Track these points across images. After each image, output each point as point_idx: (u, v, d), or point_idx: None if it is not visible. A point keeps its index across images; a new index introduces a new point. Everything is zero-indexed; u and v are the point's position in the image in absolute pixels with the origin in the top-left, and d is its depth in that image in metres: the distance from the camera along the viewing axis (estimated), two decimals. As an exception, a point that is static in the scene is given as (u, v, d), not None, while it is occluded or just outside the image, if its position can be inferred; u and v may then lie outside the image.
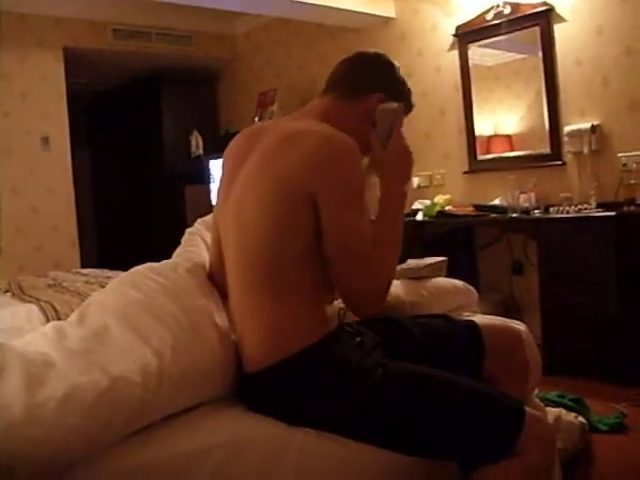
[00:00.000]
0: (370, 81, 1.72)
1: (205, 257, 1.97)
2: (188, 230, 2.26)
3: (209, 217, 2.25)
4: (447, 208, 4.69)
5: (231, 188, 1.68)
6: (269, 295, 1.57)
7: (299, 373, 1.54)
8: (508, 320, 2.22)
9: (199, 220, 2.32)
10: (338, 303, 1.73)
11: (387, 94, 1.71)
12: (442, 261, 2.39)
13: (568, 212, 3.91)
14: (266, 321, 1.57)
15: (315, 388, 1.55)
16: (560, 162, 4.33)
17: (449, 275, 2.43)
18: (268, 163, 1.57)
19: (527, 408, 1.56)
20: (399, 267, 2.28)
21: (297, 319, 1.56)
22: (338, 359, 1.56)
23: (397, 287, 2.15)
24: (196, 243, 2.09)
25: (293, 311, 1.56)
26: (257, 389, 1.62)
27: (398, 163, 1.69)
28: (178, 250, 2.11)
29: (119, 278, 1.82)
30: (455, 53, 4.91)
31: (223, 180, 1.77)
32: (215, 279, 1.82)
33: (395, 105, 1.70)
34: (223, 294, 1.77)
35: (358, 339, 1.67)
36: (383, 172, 1.68)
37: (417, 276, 2.28)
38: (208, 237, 2.11)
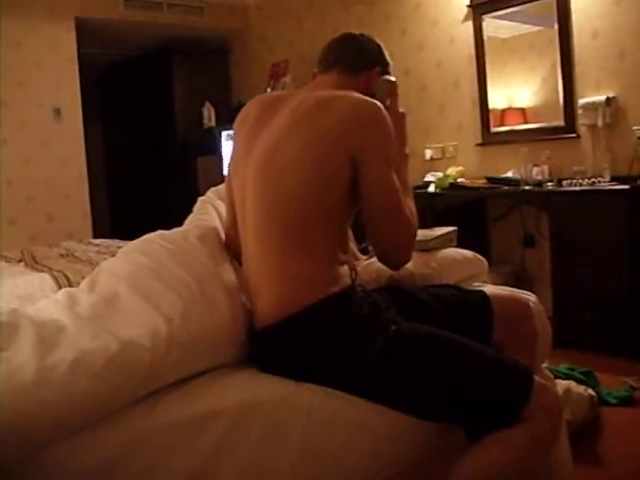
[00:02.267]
0: (368, 58, 1.87)
1: (217, 224, 1.97)
2: (200, 198, 2.26)
3: (222, 186, 2.25)
4: (459, 180, 4.67)
5: (251, 150, 1.74)
6: (294, 248, 1.62)
7: (314, 325, 1.58)
8: (517, 290, 2.21)
9: (212, 189, 2.32)
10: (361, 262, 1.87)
11: (381, 68, 1.88)
12: (452, 231, 2.37)
13: (581, 185, 3.88)
14: (288, 273, 1.62)
15: (328, 341, 1.58)
16: (574, 135, 4.29)
17: (461, 247, 2.42)
18: (305, 122, 1.66)
19: (535, 376, 1.57)
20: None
21: (317, 272, 1.63)
22: (352, 314, 1.61)
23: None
24: (208, 211, 2.09)
25: (314, 264, 1.62)
26: (270, 344, 1.64)
27: (397, 127, 1.79)
28: (190, 218, 2.11)
29: (129, 245, 1.82)
30: (469, 24, 4.86)
31: (239, 144, 1.84)
32: (231, 243, 1.86)
33: (392, 78, 1.90)
34: (238, 259, 1.80)
35: (371, 299, 1.70)
36: None
37: (426, 248, 2.27)
38: (220, 205, 2.11)
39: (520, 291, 2.20)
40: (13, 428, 1.20)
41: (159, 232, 1.83)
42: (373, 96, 1.79)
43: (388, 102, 1.85)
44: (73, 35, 5.76)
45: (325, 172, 1.62)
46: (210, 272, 1.68)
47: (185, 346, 1.50)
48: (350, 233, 2.08)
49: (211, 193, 2.26)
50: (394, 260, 1.77)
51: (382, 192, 1.65)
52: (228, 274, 1.72)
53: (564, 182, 4.01)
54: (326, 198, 1.63)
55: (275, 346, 1.64)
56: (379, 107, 1.66)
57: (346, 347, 1.58)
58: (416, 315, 1.72)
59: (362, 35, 1.91)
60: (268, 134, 1.71)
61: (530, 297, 2.13)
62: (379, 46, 1.91)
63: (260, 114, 1.80)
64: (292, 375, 1.58)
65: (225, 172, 1.99)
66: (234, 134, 1.89)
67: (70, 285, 2.35)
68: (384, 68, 1.89)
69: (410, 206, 1.72)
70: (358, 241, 2.44)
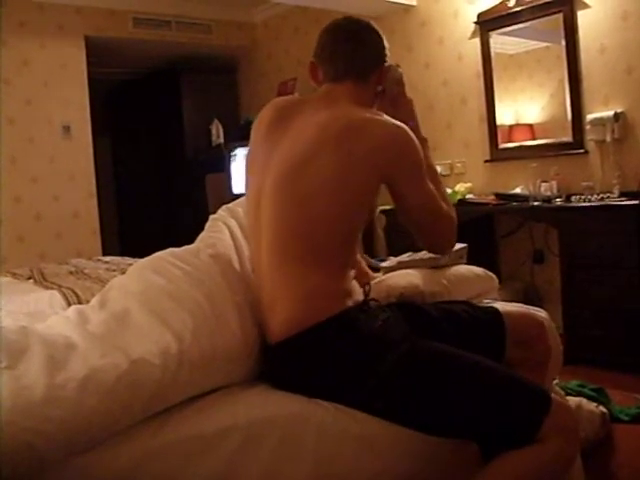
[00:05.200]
0: (376, 58, 1.86)
1: (229, 242, 1.97)
2: (212, 216, 2.26)
3: (233, 204, 2.26)
4: (468, 196, 4.67)
5: (268, 162, 1.74)
6: (311, 264, 1.63)
7: (327, 339, 1.59)
8: (530, 308, 2.20)
9: (223, 207, 2.32)
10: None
11: (386, 60, 1.88)
12: (462, 248, 2.37)
13: (590, 201, 3.87)
14: (302, 288, 1.62)
15: (340, 357, 1.58)
16: (582, 150, 4.28)
17: (470, 263, 2.41)
18: (334, 147, 1.65)
19: (553, 395, 1.56)
20: (418, 257, 2.28)
21: (333, 287, 1.64)
22: (365, 329, 1.61)
23: (416, 277, 2.14)
24: (219, 229, 2.08)
25: (330, 279, 1.64)
26: (283, 359, 1.64)
27: (410, 115, 1.90)
28: (201, 235, 2.11)
29: (140, 263, 1.82)
30: (477, 41, 4.87)
31: (254, 151, 1.85)
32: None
33: (400, 68, 1.95)
34: None
35: (385, 314, 1.70)
36: None
37: (437, 265, 2.27)
38: (232, 223, 2.11)
39: (531, 308, 2.19)
40: (23, 445, 1.20)
41: (170, 250, 1.83)
42: (383, 90, 1.87)
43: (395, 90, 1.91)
44: (83, 53, 5.78)
45: (353, 200, 1.65)
46: (222, 290, 1.67)
47: (195, 364, 1.49)
48: (360, 249, 2.09)
49: (222, 211, 2.25)
50: (442, 249, 1.91)
51: (422, 206, 1.74)
52: (240, 292, 1.71)
53: (573, 198, 4.00)
54: (349, 221, 1.67)
55: (288, 361, 1.63)
56: (407, 131, 1.69)
57: (358, 362, 1.57)
58: (427, 332, 1.72)
59: (365, 30, 1.86)
60: (290, 148, 1.70)
61: (541, 313, 2.12)
62: (380, 36, 1.87)
63: (274, 120, 1.80)
64: (304, 391, 1.58)
65: (233, 190, 2.00)
66: (250, 138, 1.87)
67: (79, 302, 2.35)
68: (386, 58, 1.88)
69: (443, 194, 1.81)
70: (368, 255, 2.43)
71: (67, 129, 5.66)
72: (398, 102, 1.92)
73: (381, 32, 1.88)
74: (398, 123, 1.70)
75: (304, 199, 1.64)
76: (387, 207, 4.35)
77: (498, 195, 4.47)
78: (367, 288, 1.76)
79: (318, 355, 1.59)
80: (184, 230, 2.61)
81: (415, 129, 1.82)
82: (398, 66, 1.94)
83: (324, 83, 1.85)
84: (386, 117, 1.71)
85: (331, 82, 1.83)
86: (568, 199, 4.06)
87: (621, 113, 4.03)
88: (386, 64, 1.87)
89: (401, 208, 1.77)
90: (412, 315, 1.82)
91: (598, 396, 2.94)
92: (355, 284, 1.72)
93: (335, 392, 1.57)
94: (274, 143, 1.75)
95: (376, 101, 1.89)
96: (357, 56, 1.82)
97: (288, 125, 1.75)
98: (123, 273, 1.91)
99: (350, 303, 1.63)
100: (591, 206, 3.82)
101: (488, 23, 4.75)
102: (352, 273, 1.71)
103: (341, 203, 1.63)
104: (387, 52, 1.88)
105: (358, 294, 1.70)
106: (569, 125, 4.35)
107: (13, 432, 1.19)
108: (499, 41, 4.78)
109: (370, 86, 1.84)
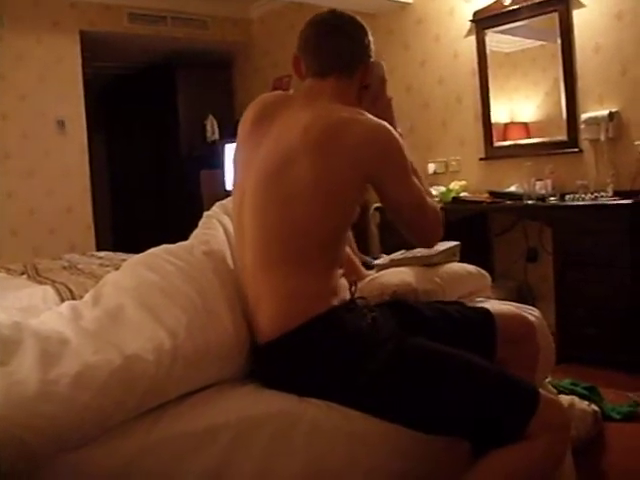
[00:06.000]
0: (359, 54, 1.82)
1: (222, 239, 1.97)
2: (206, 213, 2.26)
3: (227, 200, 2.25)
4: (462, 194, 4.67)
5: (251, 161, 1.73)
6: (294, 264, 1.63)
7: (313, 339, 1.58)
8: (522, 307, 2.20)
9: (217, 203, 2.32)
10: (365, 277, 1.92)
11: (371, 56, 1.85)
12: (455, 246, 2.37)
13: (584, 200, 3.88)
14: (285, 288, 1.62)
15: (327, 355, 1.58)
16: (577, 149, 4.29)
17: (464, 261, 2.41)
18: (316, 150, 1.63)
19: (543, 391, 1.56)
20: (411, 255, 2.29)
21: (317, 286, 1.63)
22: (351, 328, 1.61)
23: (409, 275, 2.15)
24: (213, 226, 2.09)
25: (314, 279, 1.63)
26: (271, 359, 1.64)
27: (388, 112, 1.87)
28: (195, 232, 2.11)
29: (134, 259, 1.82)
30: (472, 39, 4.87)
31: (238, 149, 1.83)
32: None
33: (384, 64, 1.92)
34: None
35: (373, 313, 1.69)
36: None
37: (430, 263, 2.27)
38: (226, 220, 2.11)
39: (523, 306, 2.19)
40: (15, 441, 1.20)
41: (164, 246, 1.83)
42: (367, 86, 1.84)
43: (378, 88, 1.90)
44: (77, 48, 5.76)
45: (335, 201, 1.64)
46: (215, 288, 1.67)
47: (189, 360, 1.50)
48: (355, 247, 2.09)
49: (217, 207, 2.26)
50: (429, 241, 1.88)
51: (411, 204, 1.73)
52: (232, 290, 1.71)
53: (567, 196, 4.01)
54: (332, 222, 1.65)
55: (277, 361, 1.63)
56: (389, 129, 1.68)
57: (347, 360, 1.57)
58: (419, 331, 1.71)
59: (350, 24, 1.82)
60: (272, 148, 1.69)
61: (533, 312, 2.12)
62: (365, 31, 1.84)
63: (259, 117, 1.79)
64: (294, 389, 1.58)
65: (228, 186, 2.00)
66: (237, 135, 1.87)
67: (73, 298, 2.35)
68: (372, 55, 1.86)
69: (424, 187, 1.79)
70: (362, 252, 2.43)
71: (62, 124, 5.65)
72: (378, 100, 1.90)
73: (367, 27, 1.85)
74: (380, 121, 1.68)
75: (285, 200, 1.64)
76: (381, 205, 4.34)
77: (492, 193, 4.48)
78: (353, 288, 1.76)
79: (306, 355, 1.59)
80: (178, 226, 2.61)
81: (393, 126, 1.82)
82: (382, 61, 1.92)
83: (307, 77, 1.83)
84: (368, 116, 1.69)
85: (314, 77, 1.81)
86: (562, 198, 4.07)
87: (615, 112, 4.04)
88: (371, 60, 1.83)
89: (390, 208, 1.77)
90: (404, 313, 1.82)
91: (590, 395, 2.95)
92: (342, 282, 1.71)
93: (325, 391, 1.57)
94: (257, 141, 1.74)
95: (359, 97, 1.85)
96: (342, 50, 1.80)
97: (271, 123, 1.74)
98: (117, 269, 1.91)
99: (336, 302, 1.63)
100: (585, 205, 3.83)
101: (484, 21, 4.75)
102: (340, 272, 1.71)
103: (323, 205, 1.62)
104: (372, 47, 1.84)
105: (345, 293, 1.70)
106: (564, 124, 4.36)
107: (5, 427, 1.19)
108: (495, 39, 4.78)
109: (354, 82, 1.80)
